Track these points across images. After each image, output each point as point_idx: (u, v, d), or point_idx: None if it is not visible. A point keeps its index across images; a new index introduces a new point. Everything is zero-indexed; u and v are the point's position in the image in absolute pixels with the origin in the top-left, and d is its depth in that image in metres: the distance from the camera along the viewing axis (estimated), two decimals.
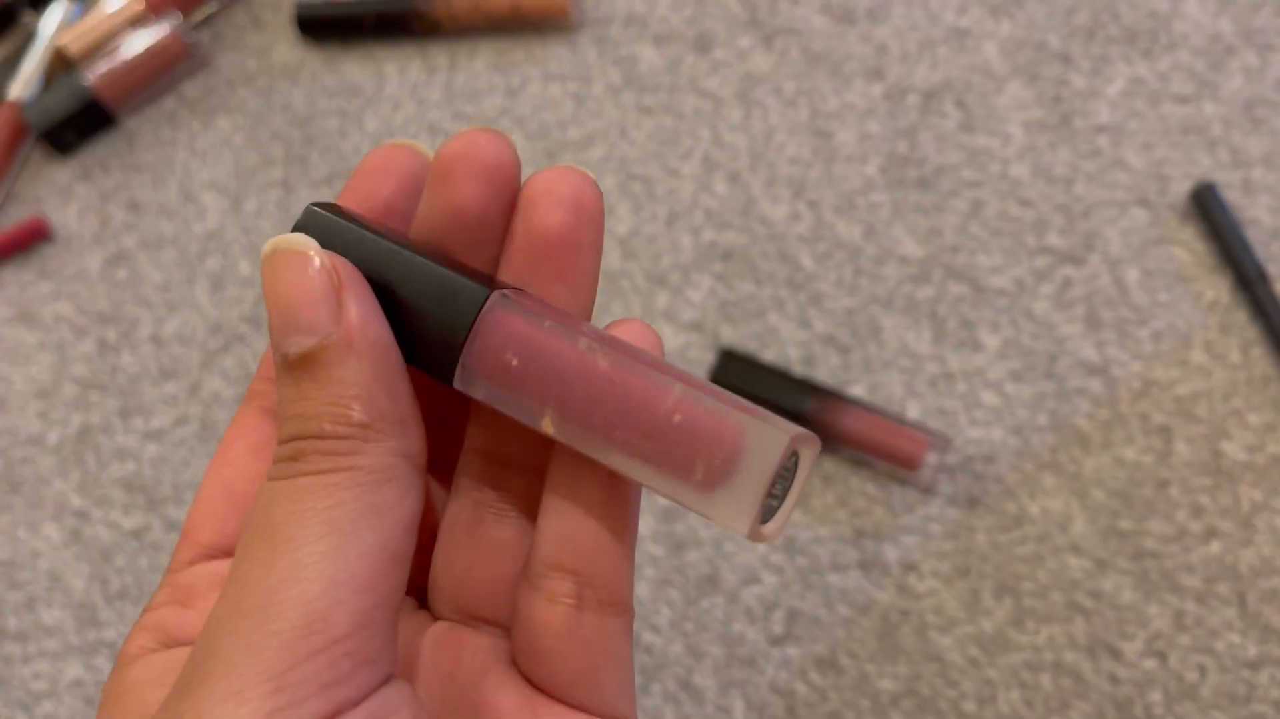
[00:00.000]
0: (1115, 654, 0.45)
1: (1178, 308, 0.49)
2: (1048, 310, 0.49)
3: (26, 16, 0.61)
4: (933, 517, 0.47)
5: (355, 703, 0.18)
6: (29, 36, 0.60)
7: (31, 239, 0.58)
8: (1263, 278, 0.48)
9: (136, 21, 0.59)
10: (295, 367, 0.19)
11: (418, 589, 0.24)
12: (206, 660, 0.18)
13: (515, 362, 0.20)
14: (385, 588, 0.19)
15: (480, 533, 0.23)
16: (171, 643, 0.21)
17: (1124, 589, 0.46)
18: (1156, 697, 0.44)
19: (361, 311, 0.19)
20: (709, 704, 0.46)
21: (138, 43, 0.59)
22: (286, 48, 0.60)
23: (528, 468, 0.22)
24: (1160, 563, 0.46)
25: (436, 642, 0.22)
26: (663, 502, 0.48)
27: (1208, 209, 0.49)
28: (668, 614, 0.48)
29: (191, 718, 0.17)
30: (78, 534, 0.53)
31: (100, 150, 0.60)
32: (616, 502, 0.21)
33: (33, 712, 0.51)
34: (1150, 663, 0.45)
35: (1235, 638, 0.45)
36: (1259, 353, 0.48)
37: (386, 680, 0.19)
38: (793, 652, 0.46)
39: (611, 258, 0.53)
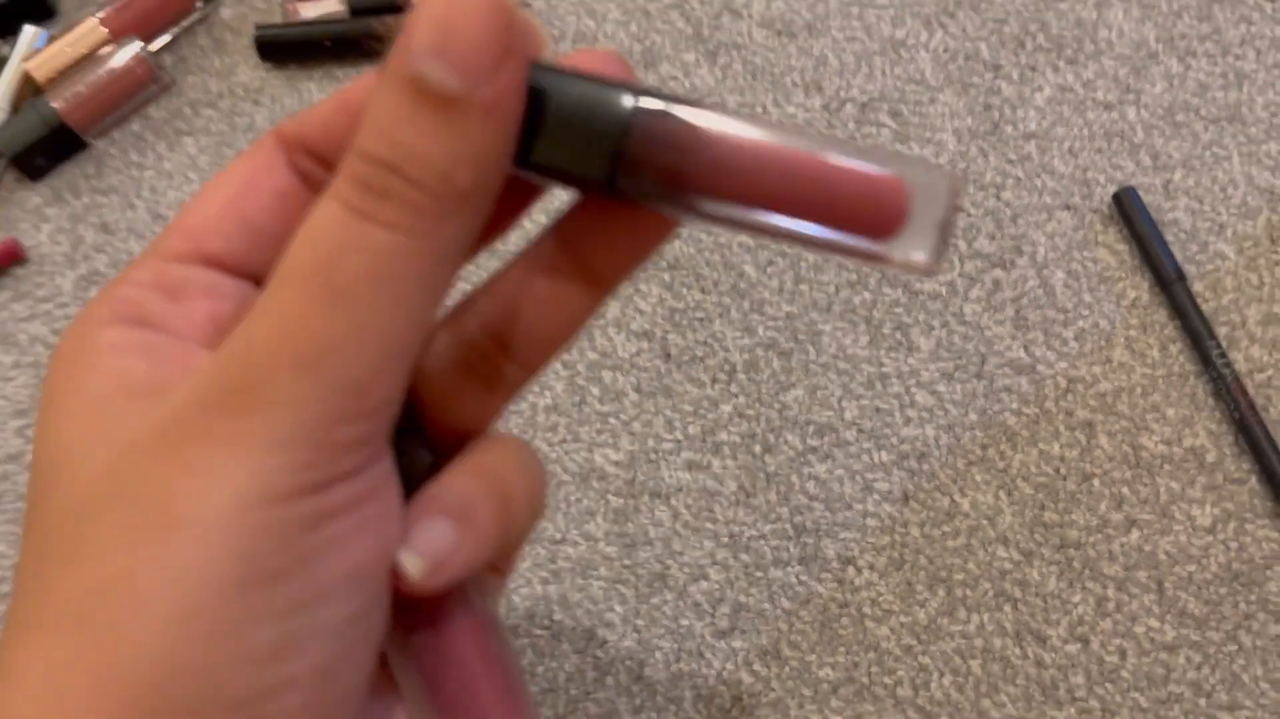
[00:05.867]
0: (1041, 640, 0.47)
1: (1101, 308, 0.51)
2: (978, 313, 0.52)
3: None
4: (869, 512, 0.50)
5: (368, 467, 0.19)
6: None
7: (7, 261, 0.60)
8: (1180, 278, 0.50)
9: (102, 47, 0.61)
10: (422, 95, 0.18)
11: None
12: (248, 390, 0.18)
13: (673, 153, 0.20)
14: (413, 362, 0.19)
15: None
16: (146, 326, 0.21)
17: (1050, 578, 0.48)
18: (1079, 679, 0.47)
19: (517, 81, 0.18)
20: (660, 696, 0.49)
21: (103, 68, 0.61)
22: (249, 70, 0.62)
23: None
24: (1083, 552, 0.48)
25: None
26: (615, 503, 0.51)
27: (1128, 212, 0.51)
28: (620, 611, 0.50)
29: (236, 445, 0.18)
30: None
31: (70, 173, 0.62)
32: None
33: None
34: (1073, 647, 0.47)
35: (1154, 623, 0.47)
36: (1177, 349, 0.50)
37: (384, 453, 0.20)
38: (738, 644, 0.49)
39: None
